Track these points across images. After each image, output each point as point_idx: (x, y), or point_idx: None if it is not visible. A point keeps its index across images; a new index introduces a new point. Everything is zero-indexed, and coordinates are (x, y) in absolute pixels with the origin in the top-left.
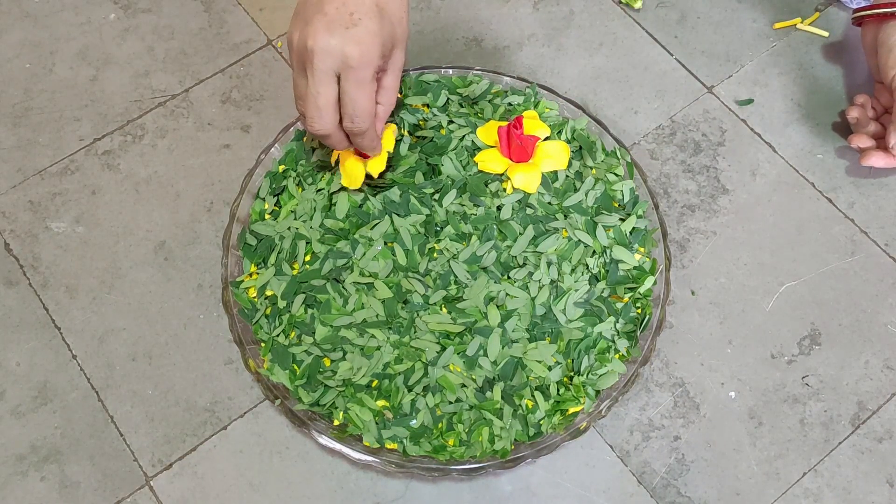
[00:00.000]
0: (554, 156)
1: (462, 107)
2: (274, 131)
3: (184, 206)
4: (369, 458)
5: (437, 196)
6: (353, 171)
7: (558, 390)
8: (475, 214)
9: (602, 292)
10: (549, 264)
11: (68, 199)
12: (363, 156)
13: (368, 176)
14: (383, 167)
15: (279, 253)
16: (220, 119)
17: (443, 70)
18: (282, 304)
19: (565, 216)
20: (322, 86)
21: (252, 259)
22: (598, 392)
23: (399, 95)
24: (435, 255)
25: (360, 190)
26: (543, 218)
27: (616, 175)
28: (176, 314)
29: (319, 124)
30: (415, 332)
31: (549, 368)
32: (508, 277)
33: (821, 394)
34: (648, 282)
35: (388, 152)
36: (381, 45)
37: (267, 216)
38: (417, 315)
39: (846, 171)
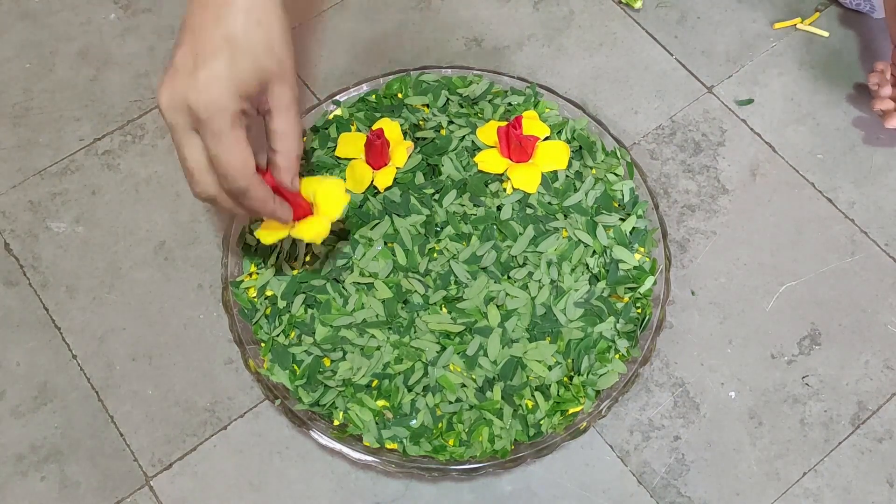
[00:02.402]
0: (554, 156)
1: (462, 107)
2: None
3: (184, 206)
4: (369, 458)
5: (437, 196)
6: (359, 177)
7: (558, 390)
8: (475, 214)
9: (602, 292)
10: (549, 264)
11: (68, 199)
12: (373, 166)
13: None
14: (390, 182)
15: (279, 253)
16: None
17: (443, 70)
18: (282, 304)
19: (565, 216)
20: (184, 147)
21: (252, 259)
22: (598, 392)
23: (399, 95)
24: (435, 255)
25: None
26: (543, 218)
27: (616, 175)
28: (176, 314)
29: (198, 188)
30: (415, 332)
31: (549, 368)
32: (508, 277)
33: (821, 394)
34: (648, 282)
35: (398, 168)
36: (235, 87)
37: None
38: (417, 315)
39: (846, 171)
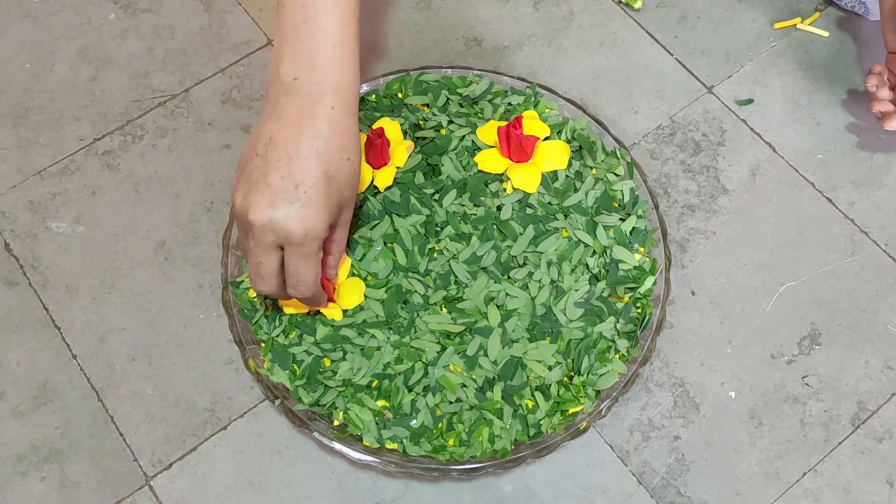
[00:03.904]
0: (554, 156)
1: (462, 107)
2: None
3: (184, 206)
4: (369, 458)
5: (437, 196)
6: (360, 176)
7: (558, 390)
8: (475, 214)
9: (602, 292)
10: (549, 264)
11: (68, 199)
12: (373, 165)
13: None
14: (390, 182)
15: None
16: (220, 119)
17: (443, 70)
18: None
19: (565, 216)
20: (264, 256)
21: None
22: (598, 392)
23: (399, 95)
24: (435, 255)
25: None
26: (543, 218)
27: (616, 175)
28: (176, 314)
29: (262, 288)
30: (415, 332)
31: (549, 368)
32: (508, 277)
33: (821, 394)
34: (648, 282)
35: (398, 167)
36: (328, 218)
37: None
38: (417, 315)
39: (846, 171)
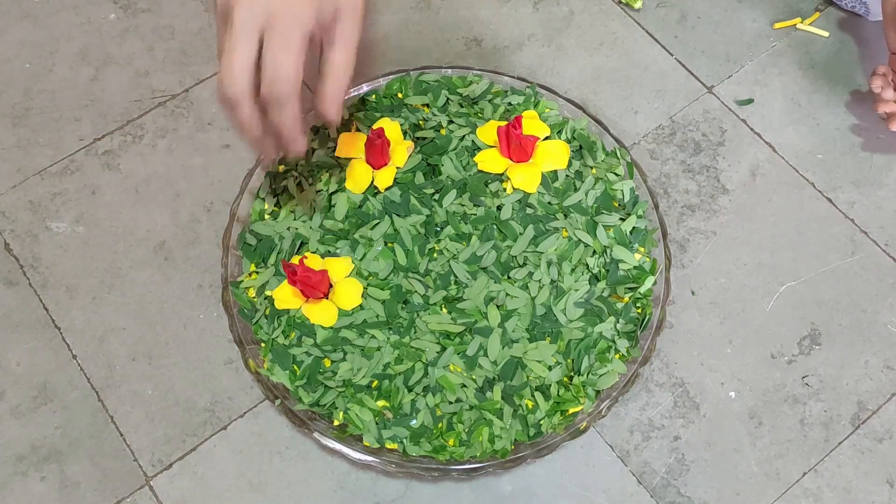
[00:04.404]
0: (554, 156)
1: (462, 107)
2: None
3: (184, 206)
4: (369, 458)
5: (437, 196)
6: (359, 177)
7: (558, 390)
8: (475, 214)
9: (602, 292)
10: (549, 264)
11: (68, 199)
12: (374, 166)
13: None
14: (391, 182)
15: (279, 253)
16: (220, 119)
17: (443, 70)
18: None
19: (565, 216)
20: (240, 42)
21: (252, 259)
22: (598, 392)
23: (399, 95)
24: (435, 255)
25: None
26: (543, 218)
27: (616, 175)
28: (176, 314)
29: (229, 84)
30: (415, 332)
31: (549, 368)
32: (508, 277)
33: (821, 394)
34: (648, 282)
35: (398, 168)
36: (316, 8)
37: (267, 216)
38: (417, 315)
39: (846, 171)
